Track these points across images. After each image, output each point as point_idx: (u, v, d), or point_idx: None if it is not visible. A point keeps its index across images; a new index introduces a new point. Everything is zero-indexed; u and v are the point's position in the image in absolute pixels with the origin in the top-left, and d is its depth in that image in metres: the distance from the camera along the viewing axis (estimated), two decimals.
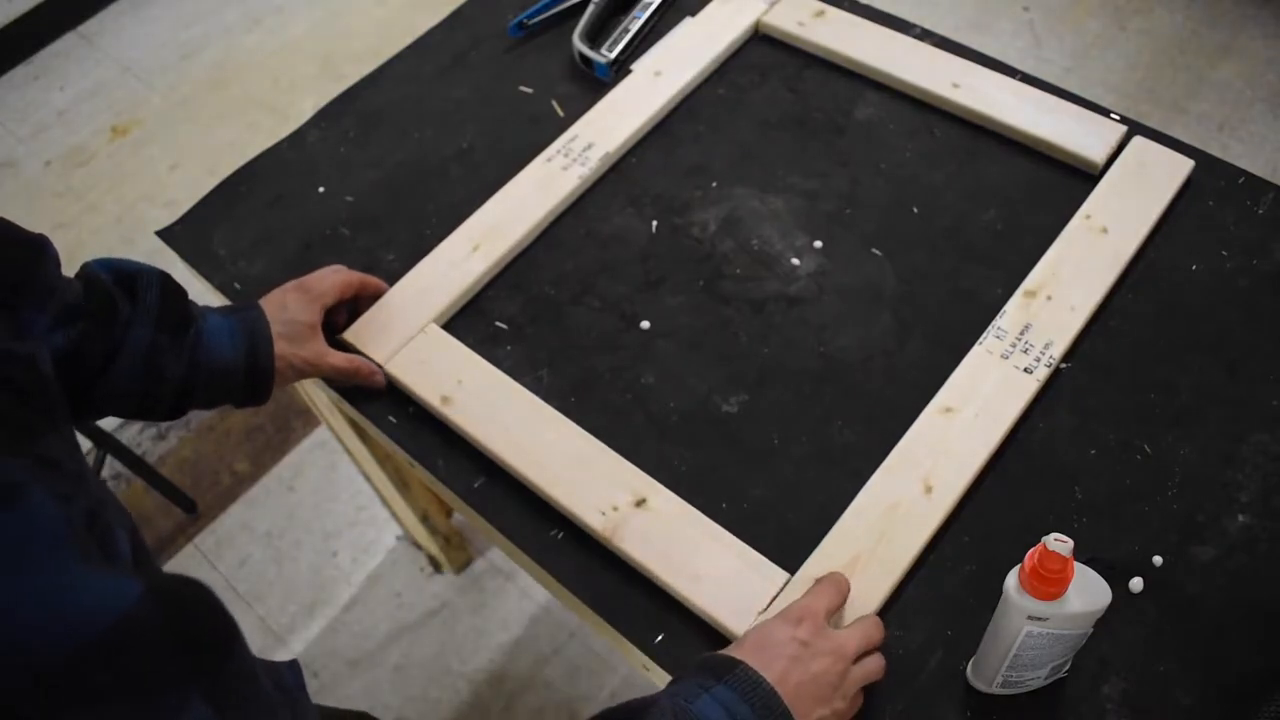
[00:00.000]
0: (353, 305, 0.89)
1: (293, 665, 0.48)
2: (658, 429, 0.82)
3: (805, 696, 0.61)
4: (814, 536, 0.73)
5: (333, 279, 0.85)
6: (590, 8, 1.10)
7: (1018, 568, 0.59)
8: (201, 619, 0.39)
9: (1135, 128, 0.94)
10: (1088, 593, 0.59)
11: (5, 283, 0.64)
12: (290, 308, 0.81)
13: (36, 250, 0.68)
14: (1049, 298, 0.83)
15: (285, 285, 0.84)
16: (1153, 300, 0.84)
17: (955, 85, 0.98)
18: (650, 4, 1.11)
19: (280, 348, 0.79)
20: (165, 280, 0.75)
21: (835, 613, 0.68)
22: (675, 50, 1.06)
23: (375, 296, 0.89)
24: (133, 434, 1.85)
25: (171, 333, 0.74)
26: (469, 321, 0.90)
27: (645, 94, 1.02)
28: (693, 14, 1.11)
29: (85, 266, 0.73)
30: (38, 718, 0.33)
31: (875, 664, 0.66)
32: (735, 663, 0.61)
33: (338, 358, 0.83)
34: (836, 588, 0.68)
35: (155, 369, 0.73)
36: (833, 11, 1.06)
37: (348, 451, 1.35)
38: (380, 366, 0.85)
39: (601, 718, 0.58)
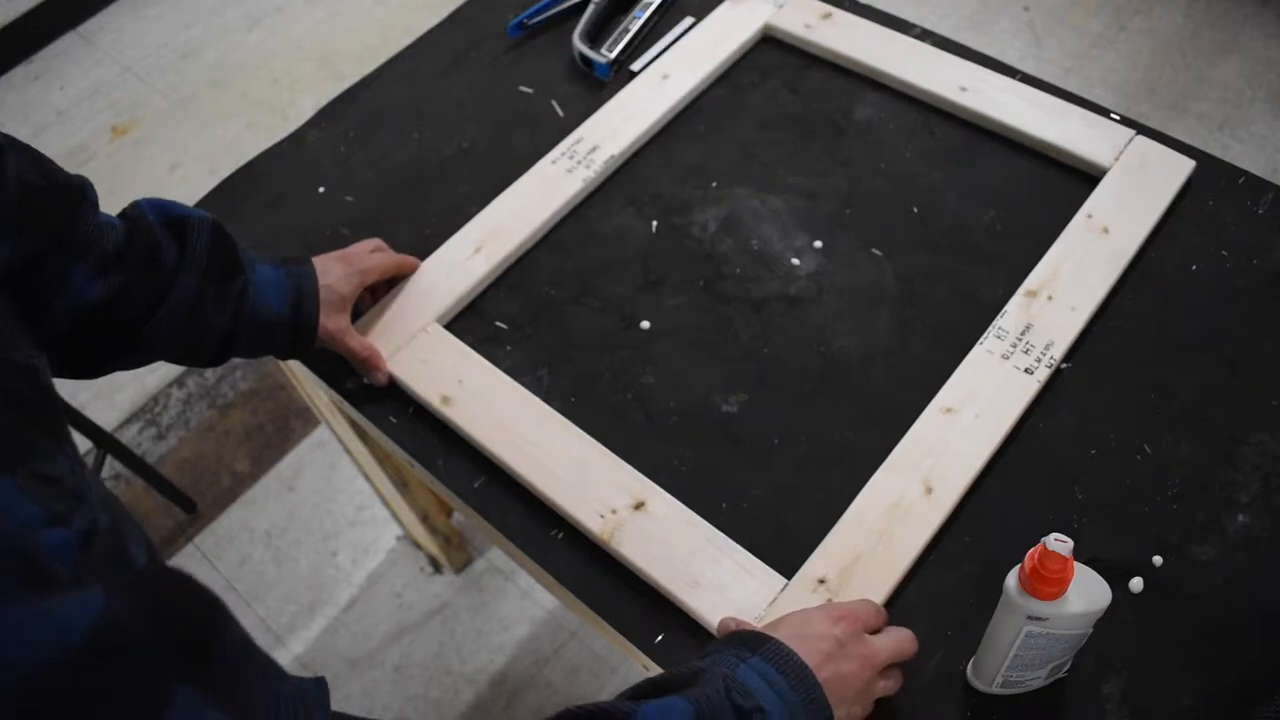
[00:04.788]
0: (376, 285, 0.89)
1: (319, 683, 0.47)
2: (657, 429, 0.82)
3: (831, 692, 0.60)
4: (814, 537, 0.73)
5: (378, 259, 0.86)
6: (590, 8, 1.10)
7: (1018, 568, 0.59)
8: (182, 609, 0.39)
9: (1135, 128, 0.94)
10: (1088, 593, 0.59)
11: (44, 233, 0.64)
12: (332, 275, 0.82)
13: (76, 197, 0.67)
14: (1050, 298, 0.83)
15: (329, 254, 0.85)
16: (1153, 300, 0.84)
17: (962, 89, 0.98)
18: (650, 4, 1.11)
19: None
20: (216, 229, 0.74)
21: (871, 631, 0.67)
22: (683, 53, 1.06)
23: (405, 277, 0.90)
24: (133, 434, 1.85)
25: (218, 283, 0.74)
26: (469, 321, 0.90)
27: (651, 97, 1.02)
28: (693, 14, 1.11)
29: (134, 206, 0.73)
30: None
31: (894, 681, 0.65)
32: (768, 637, 0.61)
33: (356, 340, 0.83)
34: (882, 615, 0.68)
35: (199, 320, 0.73)
36: (839, 14, 1.06)
37: (348, 451, 1.35)
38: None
39: (649, 684, 0.58)
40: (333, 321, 0.82)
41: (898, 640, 0.65)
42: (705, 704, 0.54)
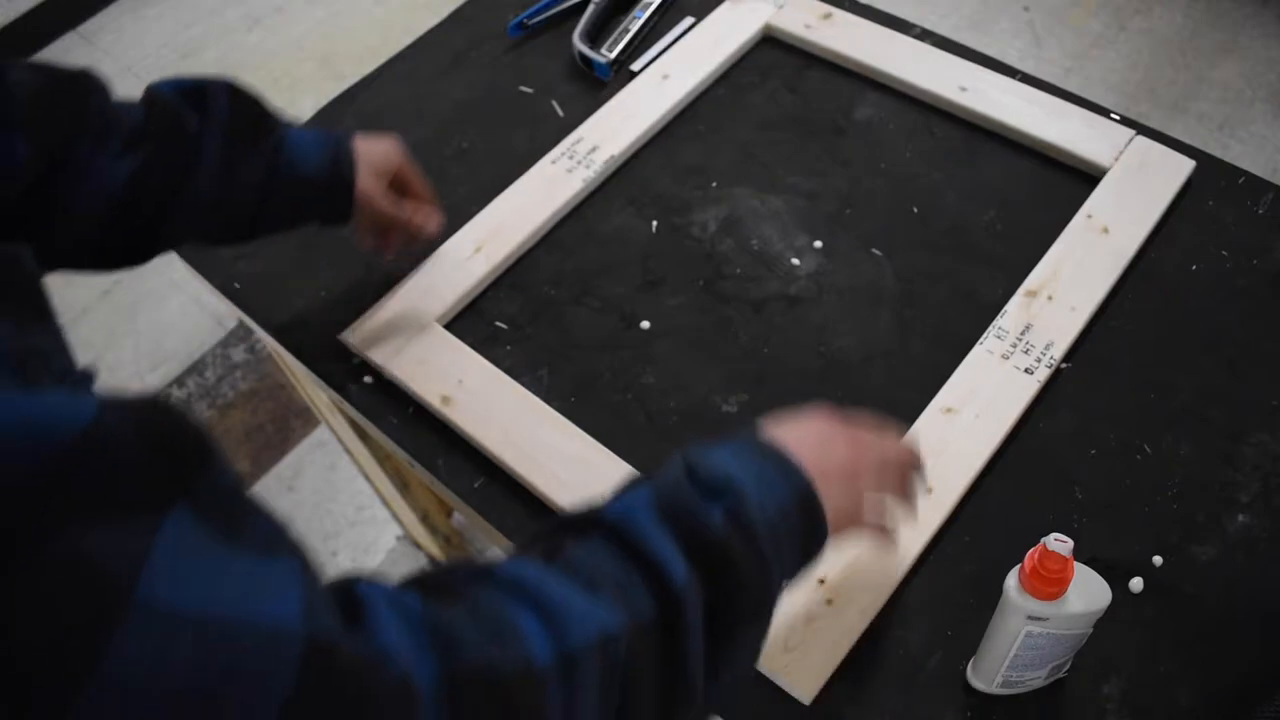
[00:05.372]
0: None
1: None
2: (657, 429, 0.82)
3: (808, 462, 0.55)
4: None
5: (408, 160, 0.84)
6: (590, 8, 1.10)
7: (1018, 568, 0.59)
8: (173, 429, 0.37)
9: (1136, 128, 0.94)
10: (1088, 593, 0.59)
11: (59, 124, 0.64)
12: (369, 144, 0.81)
13: (85, 84, 0.67)
14: (1050, 298, 0.83)
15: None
16: (1153, 300, 0.84)
17: (962, 89, 0.98)
18: (650, 4, 1.11)
19: None
20: (234, 88, 0.74)
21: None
22: (683, 53, 1.06)
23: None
24: None
25: (246, 139, 0.73)
26: (469, 321, 0.90)
27: (652, 98, 1.02)
28: (693, 14, 1.11)
29: (149, 88, 0.72)
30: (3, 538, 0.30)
31: (899, 482, 0.61)
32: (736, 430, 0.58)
33: (389, 201, 0.82)
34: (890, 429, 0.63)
35: (232, 177, 0.72)
36: (839, 14, 1.06)
37: (348, 451, 1.35)
38: (381, 366, 0.85)
39: (620, 489, 0.55)
40: (369, 183, 0.80)
41: (899, 444, 0.62)
42: (665, 487, 0.52)
